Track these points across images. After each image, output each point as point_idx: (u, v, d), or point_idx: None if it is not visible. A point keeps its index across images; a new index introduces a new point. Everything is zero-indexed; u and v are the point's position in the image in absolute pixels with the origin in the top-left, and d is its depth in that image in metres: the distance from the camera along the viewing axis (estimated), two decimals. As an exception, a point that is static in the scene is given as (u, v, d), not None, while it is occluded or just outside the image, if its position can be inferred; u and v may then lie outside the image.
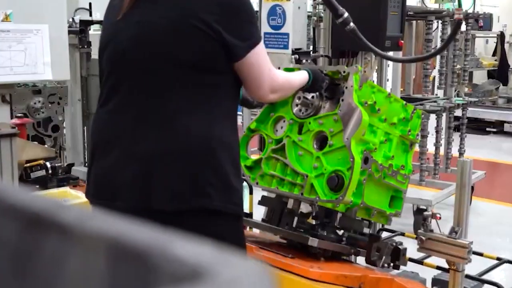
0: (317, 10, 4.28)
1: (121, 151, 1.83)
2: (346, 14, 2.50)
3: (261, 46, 1.90)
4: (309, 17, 4.41)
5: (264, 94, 1.96)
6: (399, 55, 4.50)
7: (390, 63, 4.81)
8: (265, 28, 3.36)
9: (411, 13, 5.20)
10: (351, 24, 2.53)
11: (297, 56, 3.24)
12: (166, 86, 1.80)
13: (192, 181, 1.78)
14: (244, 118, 6.32)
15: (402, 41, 3.40)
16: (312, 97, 2.33)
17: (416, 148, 4.95)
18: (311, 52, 3.60)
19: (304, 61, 3.23)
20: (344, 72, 2.27)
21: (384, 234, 3.63)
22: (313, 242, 2.18)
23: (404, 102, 2.50)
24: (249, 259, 0.37)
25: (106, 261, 0.38)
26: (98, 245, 0.38)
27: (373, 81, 4.07)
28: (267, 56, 1.95)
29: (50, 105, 4.07)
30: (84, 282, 0.39)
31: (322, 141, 2.29)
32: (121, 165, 1.83)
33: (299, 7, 3.29)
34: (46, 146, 3.83)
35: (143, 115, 1.82)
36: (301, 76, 2.18)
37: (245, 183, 2.48)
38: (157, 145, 1.78)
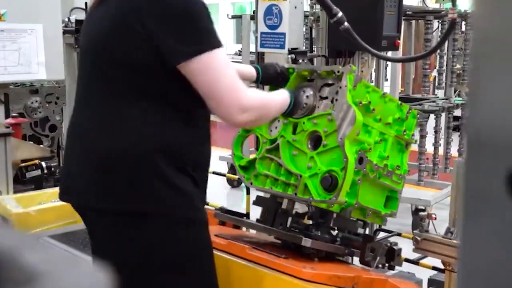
0: (314, 10, 4.27)
1: (75, 151, 1.89)
2: (340, 14, 2.49)
3: (216, 56, 1.77)
4: (306, 16, 4.41)
5: (229, 113, 1.79)
6: (399, 54, 4.49)
7: (389, 62, 4.80)
8: (261, 27, 3.36)
9: (409, 12, 5.19)
10: (345, 23, 2.52)
11: (293, 56, 3.23)
12: (114, 88, 1.82)
13: (138, 185, 1.78)
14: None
15: (399, 41, 3.39)
16: (307, 97, 2.32)
17: (415, 148, 4.95)
18: (308, 52, 3.59)
19: (300, 60, 3.22)
20: (338, 71, 2.26)
21: (382, 234, 3.62)
22: (307, 242, 2.17)
23: (400, 102, 2.48)
24: (91, 267, 0.37)
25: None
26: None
27: (372, 81, 4.07)
28: (231, 70, 1.81)
29: (47, 105, 4.07)
30: None
31: (316, 141, 2.28)
32: (74, 165, 1.89)
33: (295, 7, 3.28)
34: (41, 146, 3.83)
35: (93, 115, 1.85)
36: (281, 97, 2.08)
37: (242, 184, 2.48)
38: (104, 147, 1.81)
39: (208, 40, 1.77)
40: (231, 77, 1.79)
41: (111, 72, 1.81)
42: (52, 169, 3.44)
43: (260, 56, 4.10)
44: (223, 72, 1.78)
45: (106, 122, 1.82)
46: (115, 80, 1.81)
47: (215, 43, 1.78)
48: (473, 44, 0.45)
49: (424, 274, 3.34)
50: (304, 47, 3.75)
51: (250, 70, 2.30)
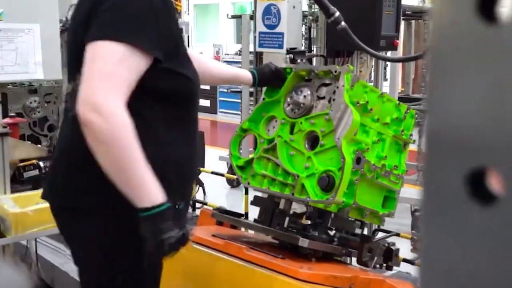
0: (313, 10, 4.26)
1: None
2: (337, 13, 2.49)
3: (114, 48, 1.54)
4: (304, 16, 4.40)
5: (80, 100, 1.51)
6: (399, 54, 4.48)
7: (389, 62, 4.79)
8: (260, 27, 3.35)
9: (409, 12, 5.19)
10: (343, 23, 2.51)
11: (291, 55, 3.23)
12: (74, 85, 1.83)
13: (76, 185, 1.76)
14: (243, 117, 6.33)
15: (397, 41, 3.38)
16: (304, 96, 2.32)
17: (415, 148, 4.93)
18: (307, 52, 3.59)
19: (299, 60, 3.22)
20: (335, 71, 2.26)
21: (380, 235, 3.61)
22: (304, 242, 2.16)
23: (397, 102, 2.48)
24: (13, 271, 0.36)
25: None
26: None
27: (371, 81, 4.06)
28: (121, 71, 1.54)
29: (46, 105, 4.07)
30: None
31: (313, 141, 2.27)
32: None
33: (294, 6, 3.28)
34: (39, 145, 3.83)
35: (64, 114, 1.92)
36: (145, 167, 1.57)
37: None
38: (59, 145, 1.87)
39: (118, 32, 1.57)
40: (112, 75, 1.53)
41: (71, 68, 1.81)
42: (50, 169, 3.44)
43: (258, 56, 4.10)
44: (107, 65, 1.53)
45: (64, 121, 1.86)
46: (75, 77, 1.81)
47: (125, 38, 1.56)
48: (430, 43, 0.45)
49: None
50: (303, 47, 3.74)
51: (248, 74, 2.36)
